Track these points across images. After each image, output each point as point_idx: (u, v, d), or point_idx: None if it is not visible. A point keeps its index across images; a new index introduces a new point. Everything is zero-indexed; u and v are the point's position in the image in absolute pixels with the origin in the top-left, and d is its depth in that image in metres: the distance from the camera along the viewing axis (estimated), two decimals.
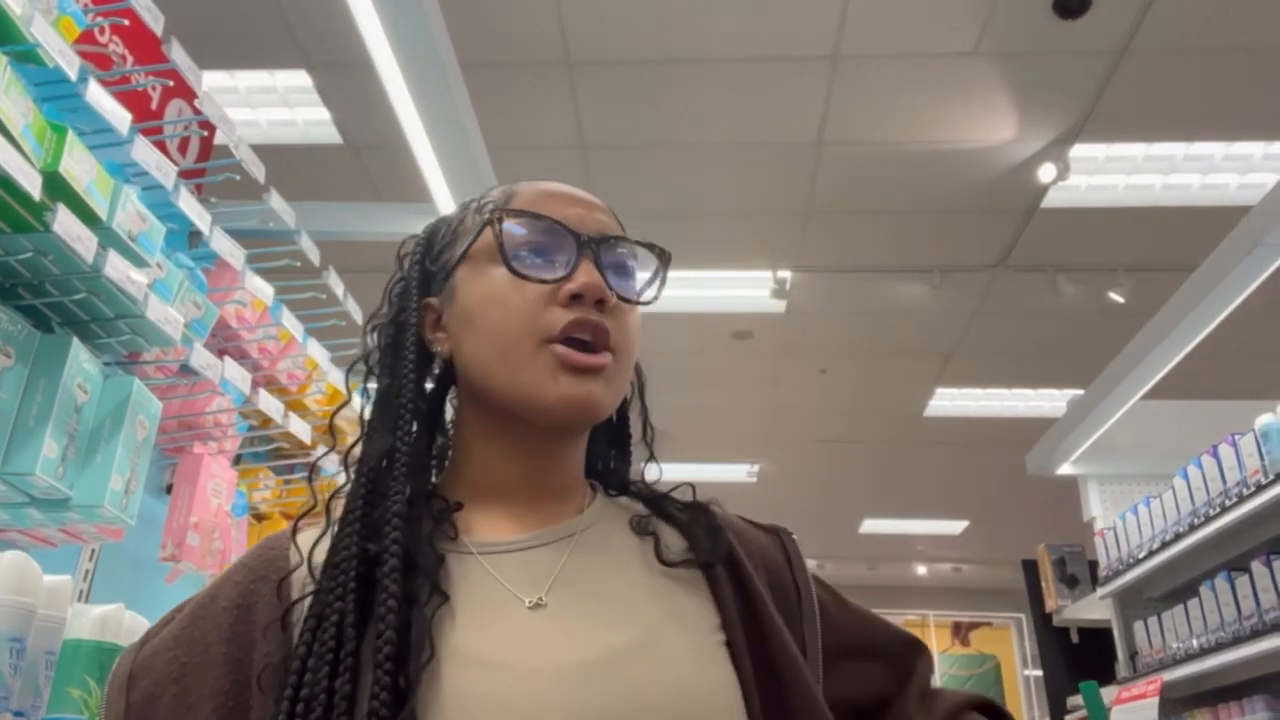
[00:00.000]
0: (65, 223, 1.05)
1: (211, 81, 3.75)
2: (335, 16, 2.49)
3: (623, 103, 3.94)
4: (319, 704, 0.57)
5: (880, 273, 4.89)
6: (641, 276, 0.76)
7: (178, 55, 1.34)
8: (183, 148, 1.87)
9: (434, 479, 0.78)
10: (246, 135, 1.76)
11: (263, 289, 1.51)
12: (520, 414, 0.70)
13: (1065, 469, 3.50)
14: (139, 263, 1.19)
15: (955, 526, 8.06)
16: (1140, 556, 2.66)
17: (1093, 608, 3.13)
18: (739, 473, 7.10)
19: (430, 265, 0.77)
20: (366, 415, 0.74)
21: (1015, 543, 5.76)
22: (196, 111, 1.55)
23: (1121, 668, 2.82)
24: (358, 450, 0.72)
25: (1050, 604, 3.48)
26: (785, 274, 4.91)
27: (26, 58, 1.05)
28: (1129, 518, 2.80)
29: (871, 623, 0.80)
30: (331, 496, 0.71)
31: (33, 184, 1.00)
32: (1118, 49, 3.46)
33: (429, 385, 0.78)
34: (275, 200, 1.50)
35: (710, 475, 7.10)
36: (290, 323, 1.63)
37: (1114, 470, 3.33)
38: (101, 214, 1.11)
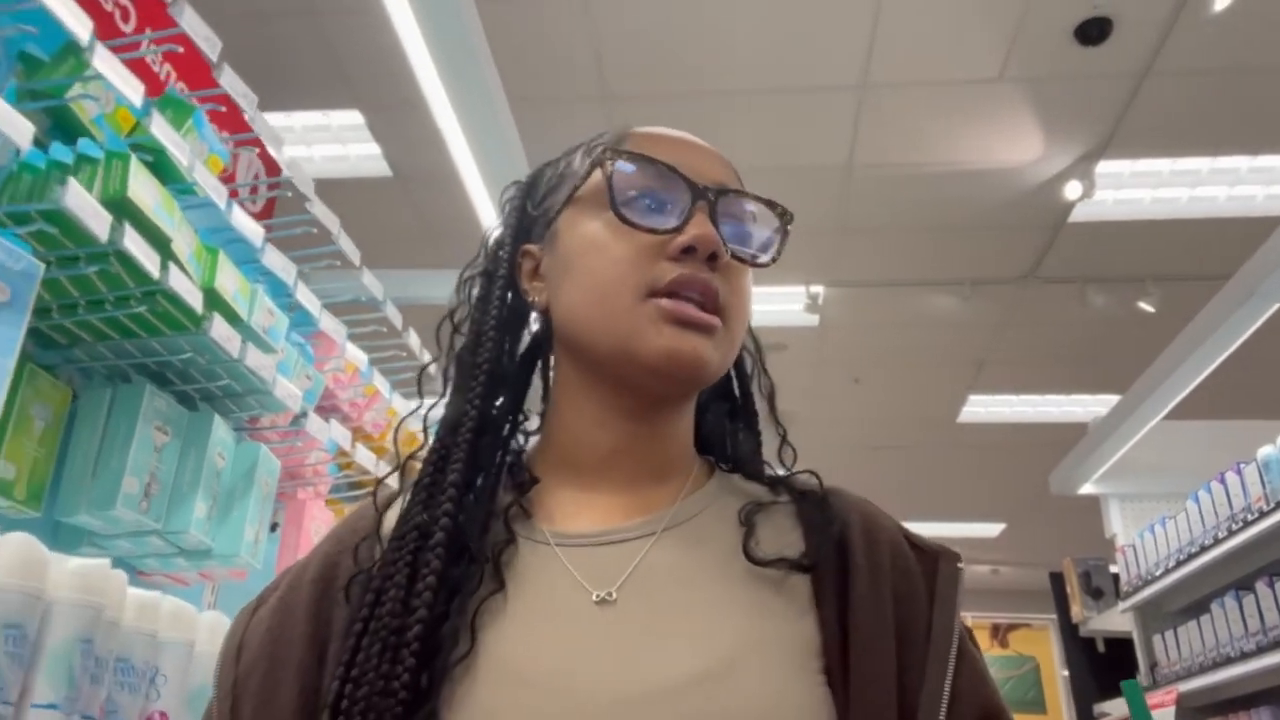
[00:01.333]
0: (218, 327, 1.30)
1: (272, 122, 4.05)
2: (387, 58, 2.72)
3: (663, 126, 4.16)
4: (366, 682, 0.55)
5: (911, 286, 5.06)
6: (759, 236, 0.70)
7: (260, 124, 1.50)
8: (252, 192, 2.13)
9: (525, 445, 0.73)
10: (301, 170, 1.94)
11: (357, 356, 1.76)
12: (618, 369, 0.65)
13: (1087, 488, 3.65)
14: (268, 350, 1.44)
15: (992, 529, 8.19)
16: (1157, 574, 2.83)
17: (1116, 619, 3.30)
18: None
19: (532, 210, 0.73)
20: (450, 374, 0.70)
21: (1053, 545, 5.90)
22: (267, 163, 1.78)
23: (1142, 678, 2.99)
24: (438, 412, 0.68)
25: (1076, 615, 3.64)
26: (818, 289, 5.10)
27: (185, 190, 1.30)
28: (1147, 536, 2.97)
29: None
30: (407, 459, 0.68)
31: (195, 300, 1.24)
32: (1139, 71, 3.61)
33: (524, 343, 0.74)
34: (367, 277, 1.74)
35: None
36: (378, 380, 1.87)
37: (1134, 490, 3.49)
38: (243, 315, 1.35)
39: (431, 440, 0.67)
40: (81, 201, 1.06)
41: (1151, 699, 2.12)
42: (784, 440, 0.74)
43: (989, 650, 9.08)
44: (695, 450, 0.73)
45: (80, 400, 1.33)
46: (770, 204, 0.70)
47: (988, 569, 9.27)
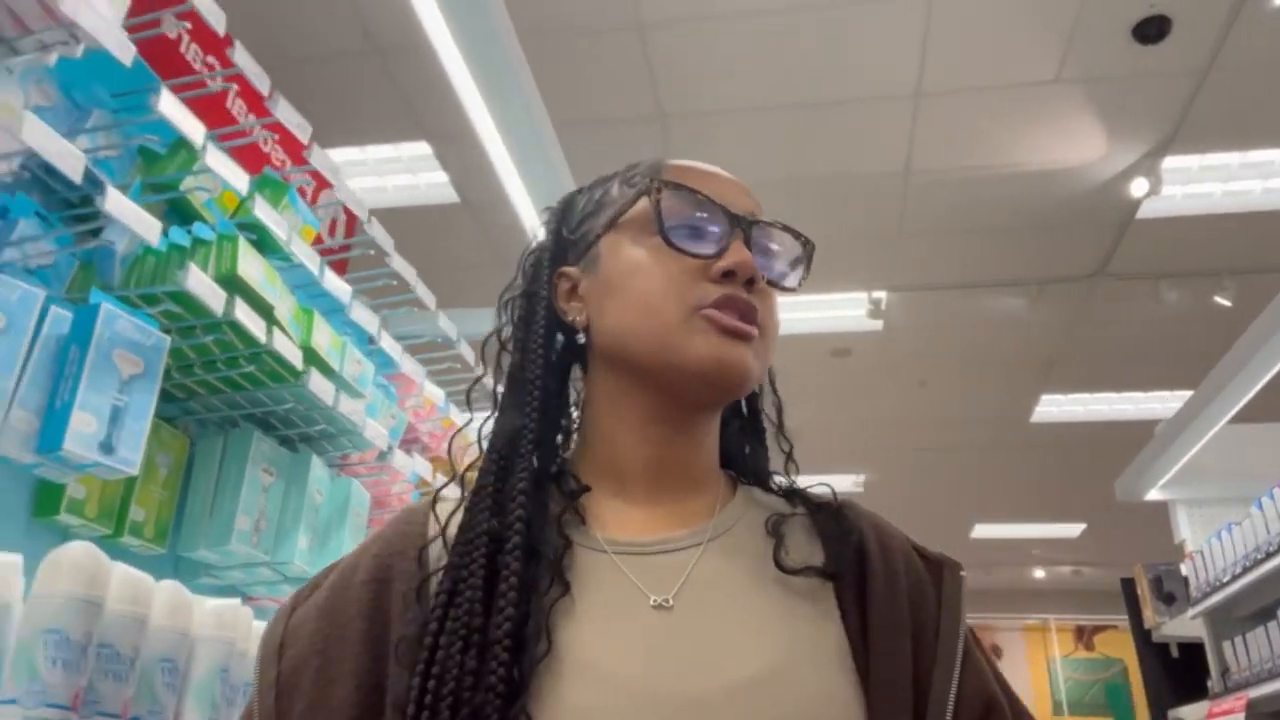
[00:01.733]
0: (315, 379, 1.46)
1: (345, 156, 4.29)
2: (446, 91, 2.88)
3: (712, 148, 4.26)
4: (451, 678, 0.58)
5: (976, 288, 5.06)
6: (786, 262, 0.77)
7: (318, 158, 1.63)
8: (331, 228, 2.31)
9: (564, 455, 0.77)
10: (375, 200, 2.10)
11: (435, 393, 1.92)
12: (663, 377, 0.70)
13: (1154, 494, 3.63)
14: (357, 396, 1.60)
15: (1072, 529, 8.06)
16: (1225, 580, 2.82)
17: (1188, 625, 3.27)
18: (844, 483, 7.32)
19: (568, 234, 0.78)
20: (500, 390, 0.74)
21: (1136, 544, 5.82)
22: (350, 218, 1.95)
23: (1214, 684, 2.97)
24: (490, 426, 0.72)
25: (1149, 620, 3.62)
26: (880, 294, 5.14)
27: (284, 260, 1.46)
28: (1214, 542, 2.95)
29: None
30: (466, 469, 0.71)
31: (295, 358, 1.41)
32: (1201, 68, 3.58)
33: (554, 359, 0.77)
34: (442, 320, 1.90)
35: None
36: (454, 413, 2.03)
37: (1201, 495, 3.45)
38: (335, 367, 1.52)
39: (486, 452, 0.70)
40: (199, 282, 1.23)
41: (1221, 706, 2.14)
42: (789, 457, 0.79)
43: (1074, 654, 8.91)
44: (723, 466, 0.78)
45: (197, 447, 1.50)
46: (795, 234, 0.77)
47: (1069, 570, 9.11)
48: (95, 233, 1.29)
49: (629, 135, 4.19)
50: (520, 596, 0.60)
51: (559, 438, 0.77)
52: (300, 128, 1.39)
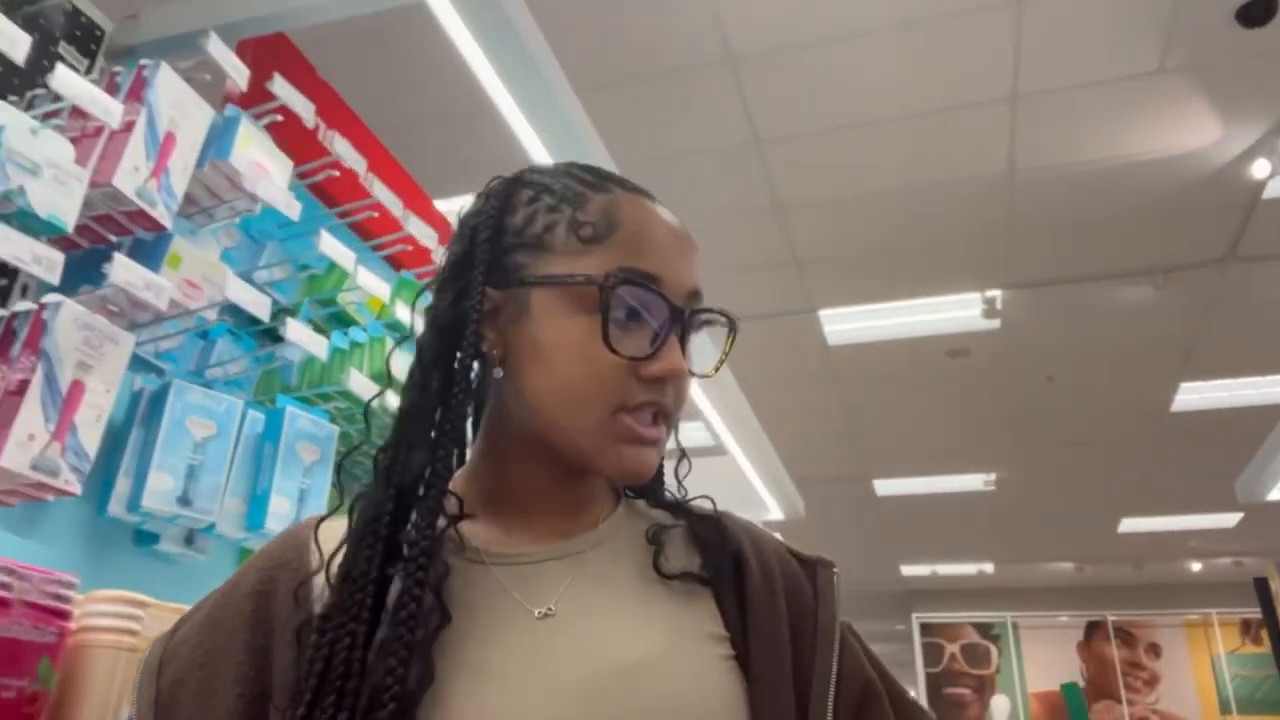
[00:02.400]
0: None
1: (451, 205, 4.66)
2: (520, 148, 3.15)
3: (813, 168, 4.40)
4: None
5: (1097, 280, 5.00)
6: (711, 345, 0.77)
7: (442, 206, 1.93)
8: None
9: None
10: None
11: None
12: (573, 460, 0.71)
13: (1276, 494, 3.52)
14: None
15: (1228, 519, 7.68)
16: None
17: None
18: (974, 482, 7.26)
19: (493, 249, 0.72)
20: (403, 405, 0.70)
21: None
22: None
23: None
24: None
25: None
26: (994, 293, 5.14)
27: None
28: None
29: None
30: (356, 499, 0.69)
31: None
32: None
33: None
34: None
35: (943, 486, 7.33)
36: None
37: None
38: None
39: (381, 483, 0.67)
40: (358, 380, 1.52)
41: None
42: (683, 463, 0.80)
43: (1240, 649, 8.47)
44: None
45: None
46: (723, 314, 0.75)
47: (1230, 561, 8.67)
48: (276, 339, 1.61)
49: (728, 163, 4.38)
50: (409, 651, 0.60)
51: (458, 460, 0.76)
52: (429, 237, 1.67)
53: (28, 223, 1.10)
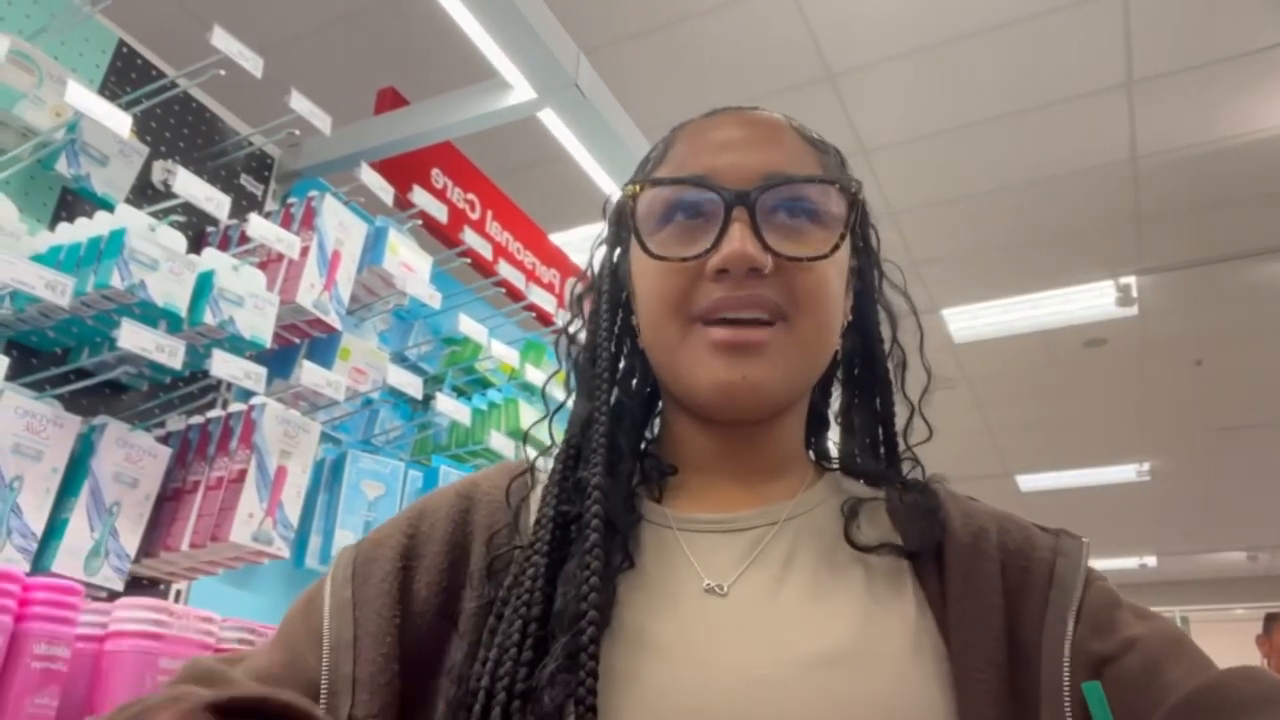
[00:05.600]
0: None
1: (563, 238, 4.95)
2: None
3: (922, 171, 4.47)
4: (510, 658, 0.57)
5: (1237, 260, 4.84)
6: (826, 220, 0.66)
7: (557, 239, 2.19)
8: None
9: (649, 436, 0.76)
10: None
11: None
12: (685, 402, 0.68)
13: None
14: None
15: None
16: None
17: None
18: (1126, 473, 7.04)
19: (623, 231, 0.74)
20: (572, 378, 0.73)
21: None
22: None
23: None
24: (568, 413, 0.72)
25: None
26: (1128, 279, 5.04)
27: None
28: None
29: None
30: (539, 455, 0.72)
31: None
32: None
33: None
34: None
35: (1093, 479, 7.15)
36: None
37: None
38: None
39: (563, 440, 0.69)
40: (497, 438, 1.79)
41: None
42: (911, 415, 0.74)
43: None
44: (808, 449, 0.76)
45: None
46: (829, 181, 0.66)
47: None
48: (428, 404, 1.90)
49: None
50: (596, 574, 0.59)
51: (646, 419, 0.76)
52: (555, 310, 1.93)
53: (237, 344, 1.40)
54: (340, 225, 1.59)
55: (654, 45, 3.76)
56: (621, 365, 0.73)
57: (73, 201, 1.49)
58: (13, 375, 1.32)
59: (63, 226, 1.40)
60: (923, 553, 0.64)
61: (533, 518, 0.66)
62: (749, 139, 0.68)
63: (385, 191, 1.68)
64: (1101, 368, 5.81)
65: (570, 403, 0.73)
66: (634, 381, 0.74)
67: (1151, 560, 9.22)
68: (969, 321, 5.39)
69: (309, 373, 1.48)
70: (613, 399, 0.70)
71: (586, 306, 0.75)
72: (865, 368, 0.75)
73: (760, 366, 0.63)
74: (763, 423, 0.69)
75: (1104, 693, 0.55)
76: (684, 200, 0.65)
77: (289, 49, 3.72)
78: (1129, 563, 9.25)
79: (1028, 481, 7.33)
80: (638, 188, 0.67)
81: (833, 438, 0.78)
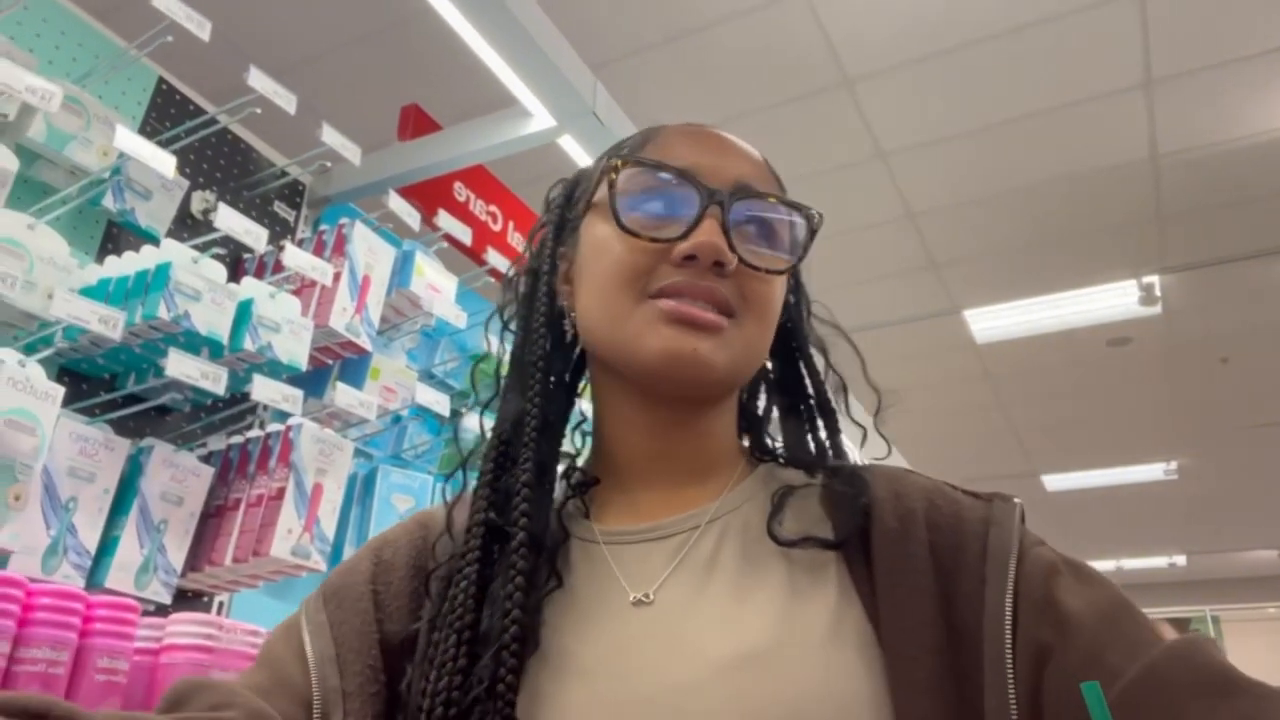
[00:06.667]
0: None
1: None
2: None
3: (941, 173, 4.50)
4: (446, 671, 0.58)
5: (1259, 257, 4.84)
6: (782, 240, 0.68)
7: None
8: None
9: (580, 447, 0.76)
10: None
11: None
12: (625, 370, 0.67)
13: None
14: None
15: None
16: None
17: None
18: (1154, 472, 7.02)
19: (568, 213, 0.75)
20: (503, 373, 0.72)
21: None
22: None
23: None
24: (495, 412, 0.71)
25: None
26: (1151, 279, 5.05)
27: None
28: None
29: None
30: (466, 458, 0.71)
31: None
32: None
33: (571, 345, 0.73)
34: None
35: (1120, 478, 7.14)
36: None
37: None
38: None
39: (491, 438, 0.68)
40: None
41: None
42: (827, 428, 0.75)
43: None
44: (741, 443, 0.76)
45: None
46: (796, 206, 0.69)
47: None
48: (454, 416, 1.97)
49: (855, 179, 4.55)
50: (519, 592, 0.59)
51: (567, 427, 0.75)
52: None
53: (274, 368, 1.48)
54: (369, 250, 1.67)
55: (671, 56, 3.82)
56: (554, 359, 0.72)
57: (118, 234, 1.58)
58: (65, 401, 1.40)
59: (110, 259, 1.48)
60: (848, 542, 0.63)
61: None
62: (727, 150, 0.70)
63: (412, 217, 1.76)
64: (1126, 367, 5.81)
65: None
66: (554, 379, 0.73)
67: (1181, 559, 9.16)
68: (991, 322, 5.41)
69: (342, 394, 1.56)
70: (546, 390, 0.69)
71: (521, 290, 0.75)
72: (797, 383, 0.76)
73: (711, 344, 0.64)
74: (698, 410, 0.69)
75: (1053, 685, 0.54)
76: (662, 187, 0.67)
77: (314, 66, 3.82)
78: (1158, 562, 9.20)
79: (1054, 481, 7.32)
80: (620, 163, 0.67)
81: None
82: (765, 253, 0.67)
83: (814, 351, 0.77)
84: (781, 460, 0.75)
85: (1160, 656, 0.52)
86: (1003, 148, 4.33)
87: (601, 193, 0.69)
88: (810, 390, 0.76)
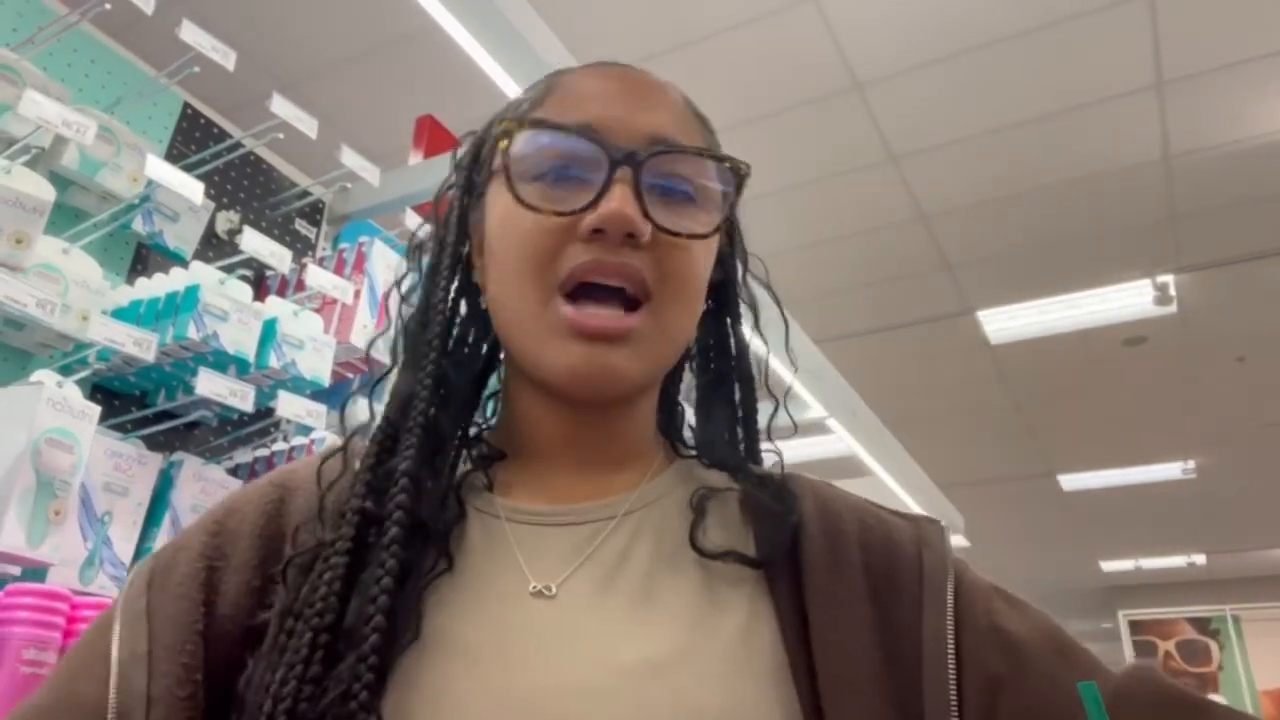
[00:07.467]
0: None
1: None
2: None
3: (953, 175, 4.53)
4: (294, 675, 0.51)
5: (1274, 256, 4.85)
6: (710, 200, 0.63)
7: None
8: None
9: (490, 419, 0.71)
10: None
11: None
12: (534, 378, 0.63)
13: None
14: None
15: None
16: None
17: None
18: (1171, 471, 7.01)
19: (475, 175, 0.68)
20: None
21: None
22: None
23: None
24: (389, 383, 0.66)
25: None
26: (1166, 278, 5.06)
27: None
28: None
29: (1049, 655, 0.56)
30: (350, 435, 0.66)
31: None
32: None
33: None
34: None
35: (1137, 477, 7.13)
36: None
37: None
38: None
39: (381, 417, 0.63)
40: None
41: None
42: (748, 423, 0.70)
43: None
44: (661, 433, 0.72)
45: None
46: (720, 158, 0.63)
47: None
48: None
49: (867, 182, 4.58)
50: (389, 577, 0.54)
51: (476, 400, 0.70)
52: None
53: (298, 384, 1.54)
54: (388, 267, 1.73)
55: (680, 63, 3.86)
56: (455, 331, 0.67)
57: (147, 255, 1.64)
58: (99, 419, 1.47)
59: (140, 280, 1.55)
60: (777, 559, 0.60)
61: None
62: (639, 97, 0.63)
63: None
64: (1142, 366, 5.82)
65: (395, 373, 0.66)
66: (467, 349, 0.69)
67: (1200, 559, 9.12)
68: (1006, 322, 5.43)
69: (362, 409, 1.61)
70: (441, 371, 0.63)
71: (424, 259, 0.68)
72: (722, 358, 0.71)
73: (624, 354, 0.59)
74: (614, 405, 0.65)
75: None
76: (563, 150, 0.60)
77: (330, 77, 3.89)
78: (1177, 561, 9.16)
79: (1070, 481, 7.32)
80: (513, 125, 0.61)
81: (690, 421, 0.74)
82: (686, 216, 0.61)
83: (744, 309, 0.72)
84: (705, 462, 0.70)
85: (1124, 680, 0.53)
86: (1015, 150, 4.35)
87: (499, 160, 0.63)
88: (734, 353, 0.71)
